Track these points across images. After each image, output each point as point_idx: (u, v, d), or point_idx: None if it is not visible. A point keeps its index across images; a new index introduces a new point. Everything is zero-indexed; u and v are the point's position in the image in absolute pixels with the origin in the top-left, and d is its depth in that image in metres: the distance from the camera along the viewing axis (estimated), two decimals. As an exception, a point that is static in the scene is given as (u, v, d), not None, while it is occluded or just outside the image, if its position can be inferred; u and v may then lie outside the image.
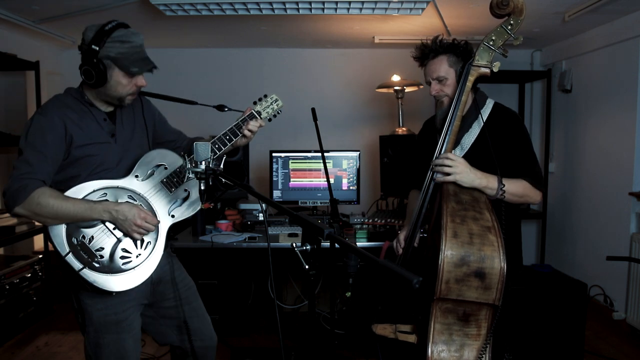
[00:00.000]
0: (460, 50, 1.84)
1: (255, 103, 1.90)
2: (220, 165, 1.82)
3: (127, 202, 1.65)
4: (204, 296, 2.03)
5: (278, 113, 1.95)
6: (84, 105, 1.66)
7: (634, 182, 3.25)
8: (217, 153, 1.79)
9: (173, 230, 1.86)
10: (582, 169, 3.87)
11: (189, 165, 1.66)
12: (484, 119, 1.84)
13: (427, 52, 1.90)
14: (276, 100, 1.93)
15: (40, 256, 3.50)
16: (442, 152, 1.79)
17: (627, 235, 3.30)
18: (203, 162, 1.56)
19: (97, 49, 1.55)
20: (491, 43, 1.73)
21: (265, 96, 1.92)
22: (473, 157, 1.80)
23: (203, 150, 1.58)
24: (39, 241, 3.85)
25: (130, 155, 1.72)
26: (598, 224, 3.64)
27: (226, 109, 1.95)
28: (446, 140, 1.78)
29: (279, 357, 2.92)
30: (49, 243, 1.57)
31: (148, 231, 1.64)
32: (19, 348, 3.07)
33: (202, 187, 1.59)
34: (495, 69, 1.76)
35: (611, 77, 3.51)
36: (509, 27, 1.72)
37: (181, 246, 2.79)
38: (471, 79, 1.76)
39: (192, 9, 2.98)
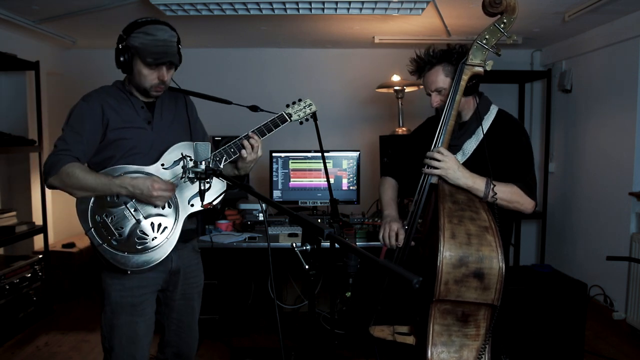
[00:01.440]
0: (455, 57, 1.82)
1: (288, 106, 1.97)
2: (220, 165, 1.82)
3: (141, 176, 1.70)
4: (204, 296, 2.05)
5: (311, 117, 2.02)
6: (124, 94, 1.78)
7: (634, 182, 3.26)
8: (232, 157, 1.83)
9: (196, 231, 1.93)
10: (582, 169, 3.87)
11: (189, 165, 1.68)
12: (487, 127, 1.84)
13: (422, 64, 1.89)
14: (309, 105, 2.01)
15: (40, 256, 3.50)
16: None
17: (627, 235, 3.30)
18: (203, 162, 1.56)
19: (125, 36, 1.70)
20: (484, 42, 1.72)
21: (300, 100, 2.00)
22: (474, 163, 1.80)
23: (203, 150, 1.58)
24: (39, 241, 3.85)
25: (163, 144, 1.79)
26: (598, 224, 3.64)
27: (259, 110, 2.00)
28: (441, 140, 1.78)
29: (279, 357, 2.92)
30: (77, 217, 1.70)
31: (167, 197, 1.70)
32: (19, 348, 3.07)
33: (202, 187, 1.60)
34: (488, 68, 1.74)
35: (611, 77, 3.51)
36: (502, 25, 1.70)
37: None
38: (465, 77, 1.74)
39: (192, 9, 2.98)
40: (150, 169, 1.74)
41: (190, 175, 1.69)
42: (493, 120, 1.86)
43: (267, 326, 3.42)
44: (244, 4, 2.92)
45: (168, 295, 1.89)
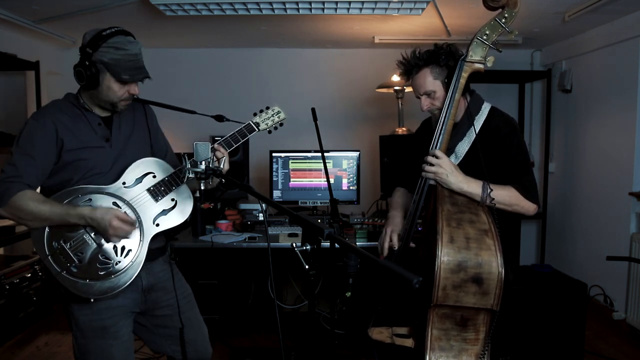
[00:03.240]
0: (442, 58, 1.78)
1: (255, 115, 1.90)
2: (220, 165, 1.81)
3: (104, 207, 1.60)
4: (204, 296, 2.02)
5: (280, 125, 1.94)
6: (79, 110, 1.66)
7: (634, 182, 3.25)
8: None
9: (173, 231, 1.85)
10: (582, 169, 3.87)
11: (188, 165, 1.64)
12: (479, 126, 1.80)
13: (409, 67, 1.86)
14: (278, 113, 1.93)
15: (40, 256, 3.49)
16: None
17: (627, 235, 3.30)
18: (203, 162, 1.56)
19: (91, 52, 1.57)
20: (485, 37, 1.67)
21: (267, 108, 1.92)
22: (467, 166, 1.77)
23: (203, 150, 1.57)
24: (39, 241, 3.85)
25: (125, 160, 1.70)
26: (598, 224, 3.64)
27: (225, 120, 1.94)
28: (439, 141, 1.74)
29: (279, 357, 2.92)
30: (33, 243, 1.62)
31: (125, 234, 1.60)
32: (19, 348, 3.07)
33: (202, 187, 1.58)
34: (489, 64, 1.69)
35: (611, 77, 3.51)
36: (503, 20, 1.65)
37: (181, 246, 2.79)
38: (464, 75, 1.70)
39: (192, 9, 2.98)
40: (111, 188, 1.65)
41: (190, 175, 1.65)
42: (485, 120, 1.82)
43: (267, 326, 3.42)
44: (244, 4, 2.92)
45: (151, 314, 1.78)
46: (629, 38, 3.25)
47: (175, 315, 1.82)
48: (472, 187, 1.68)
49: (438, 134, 1.76)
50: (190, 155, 1.63)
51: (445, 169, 1.69)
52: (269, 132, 1.93)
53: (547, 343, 2.65)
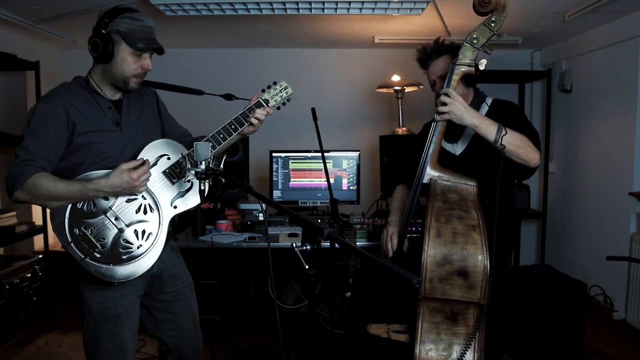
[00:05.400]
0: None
1: (263, 91, 1.90)
2: (220, 165, 1.81)
3: (111, 172, 1.59)
4: (204, 296, 2.02)
5: (288, 100, 1.93)
6: (89, 93, 1.67)
7: (634, 182, 3.26)
8: (222, 143, 1.79)
9: (173, 230, 1.86)
10: (582, 169, 3.87)
11: (188, 165, 1.64)
12: (486, 109, 1.90)
13: (429, 52, 1.94)
14: (285, 88, 1.92)
15: (40, 256, 3.50)
16: (427, 155, 1.80)
17: (627, 235, 3.30)
18: (203, 162, 1.56)
19: (108, 21, 1.58)
20: (474, 41, 1.74)
21: (275, 83, 1.92)
22: (478, 143, 1.84)
23: (203, 150, 1.57)
24: (39, 241, 3.85)
25: (135, 145, 1.70)
26: (598, 224, 3.64)
27: (234, 98, 1.93)
28: (433, 141, 1.79)
29: (279, 357, 2.92)
30: (54, 233, 1.62)
31: (147, 176, 1.63)
32: (19, 348, 3.07)
33: (202, 187, 1.59)
34: (481, 67, 1.75)
35: (611, 77, 3.51)
36: (492, 24, 1.71)
37: (181, 246, 2.78)
38: (455, 78, 1.77)
39: (192, 9, 2.98)
40: None
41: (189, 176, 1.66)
42: (491, 104, 1.93)
43: (267, 326, 3.42)
44: (244, 4, 2.92)
45: (153, 297, 1.81)
46: (629, 38, 3.26)
47: (176, 302, 1.85)
48: (486, 124, 1.72)
49: (432, 133, 1.81)
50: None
51: (458, 106, 1.72)
52: (278, 108, 1.92)
53: (547, 343, 2.65)
